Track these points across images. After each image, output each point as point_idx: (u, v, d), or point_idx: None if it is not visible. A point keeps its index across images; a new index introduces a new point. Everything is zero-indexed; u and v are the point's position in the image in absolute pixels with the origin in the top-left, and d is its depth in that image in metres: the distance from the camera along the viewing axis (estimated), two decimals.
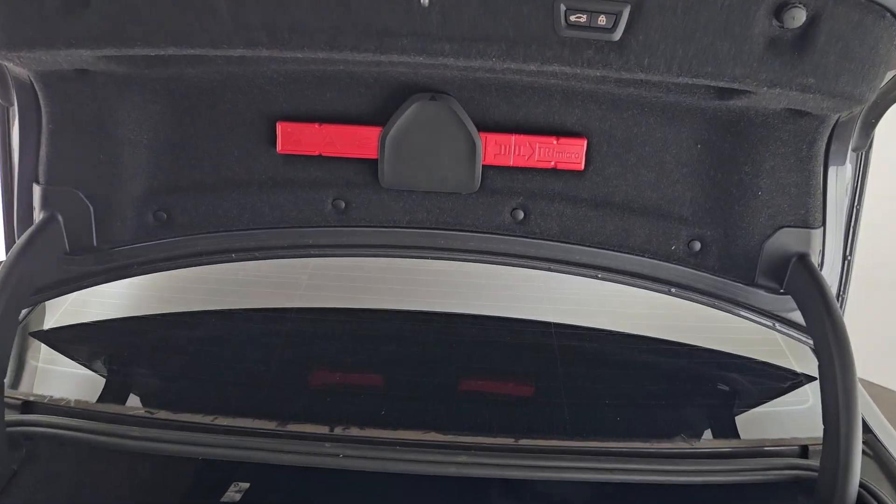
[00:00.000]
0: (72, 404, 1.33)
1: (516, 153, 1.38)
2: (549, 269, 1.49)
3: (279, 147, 1.38)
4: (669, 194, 1.40)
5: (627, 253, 1.45)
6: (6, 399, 1.36)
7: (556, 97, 1.34)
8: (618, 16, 0.97)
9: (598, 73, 1.05)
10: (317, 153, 1.38)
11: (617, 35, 0.99)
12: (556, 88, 1.31)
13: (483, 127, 1.36)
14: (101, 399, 1.40)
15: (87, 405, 1.35)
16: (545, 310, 1.57)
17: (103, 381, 1.47)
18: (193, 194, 1.43)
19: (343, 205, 1.45)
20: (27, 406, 1.34)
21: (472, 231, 1.47)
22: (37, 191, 1.38)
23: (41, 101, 1.30)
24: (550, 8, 0.97)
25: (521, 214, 1.45)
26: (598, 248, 1.46)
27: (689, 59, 1.01)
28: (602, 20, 0.97)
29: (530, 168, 1.40)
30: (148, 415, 1.29)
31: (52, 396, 1.35)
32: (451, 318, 1.57)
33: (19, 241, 1.34)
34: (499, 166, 1.40)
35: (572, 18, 0.97)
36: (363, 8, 0.98)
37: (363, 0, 0.97)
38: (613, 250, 1.46)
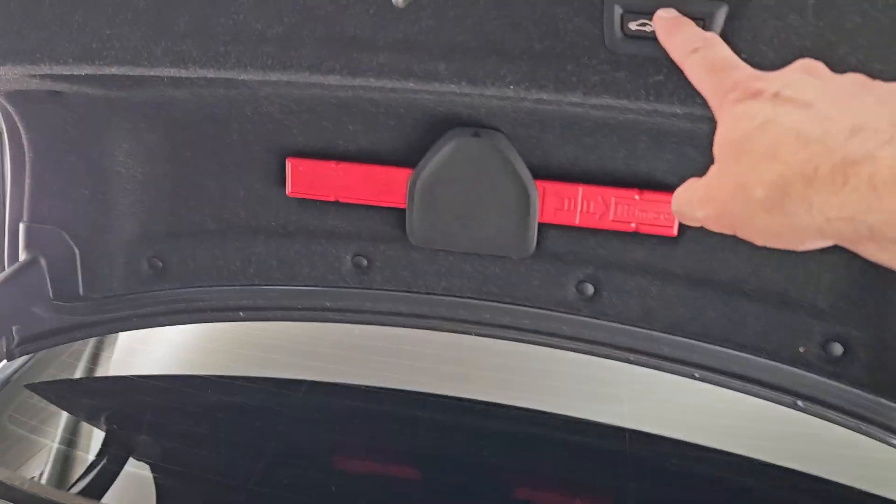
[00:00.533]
0: (16, 484, 1.11)
1: (584, 209, 1.04)
2: (628, 361, 1.13)
3: (289, 189, 1.12)
4: (799, 275, 1.02)
5: (736, 350, 1.08)
6: None
7: (640, 137, 1.00)
8: (707, 21, 0.63)
9: (674, 110, 0.70)
10: (333, 198, 1.12)
11: None
12: (640, 126, 0.97)
13: (541, 173, 1.04)
14: (49, 480, 1.18)
15: (33, 487, 1.12)
16: (617, 411, 1.21)
17: (59, 457, 1.26)
18: (192, 241, 1.20)
19: (365, 262, 1.17)
20: None
21: (525, 305, 1.14)
22: (21, 229, 1.20)
23: (19, 126, 1.11)
24: (598, 8, 0.64)
25: (590, 289, 1.11)
26: (696, 339, 1.09)
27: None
28: None
29: (603, 230, 1.06)
30: None
31: (17, 475, 1.15)
32: (492, 411, 1.24)
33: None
34: (561, 225, 1.07)
35: (633, 26, 0.63)
36: (316, 8, 0.69)
37: None
38: (716, 344, 1.09)
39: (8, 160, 1.22)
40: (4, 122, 1.16)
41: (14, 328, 1.30)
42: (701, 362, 1.09)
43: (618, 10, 0.63)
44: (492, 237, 1.08)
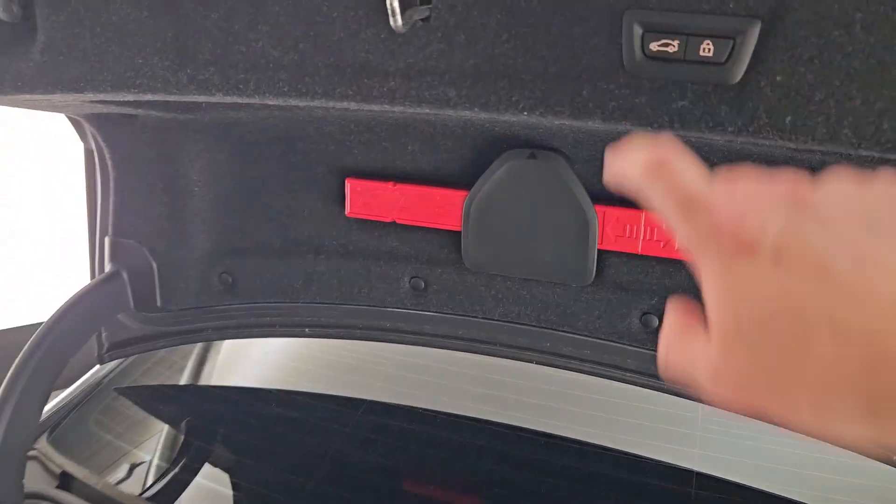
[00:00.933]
0: (98, 486, 1.17)
1: (647, 237, 0.97)
2: (699, 400, 1.05)
3: (348, 209, 1.12)
4: None
5: None
6: (48, 464, 1.27)
7: (712, 159, 0.92)
8: (736, 40, 0.55)
9: (706, 137, 0.63)
10: (390, 219, 1.10)
11: (734, 73, 0.57)
12: (712, 145, 0.90)
13: (602, 197, 0.98)
14: (120, 482, 1.24)
15: (121, 496, 1.19)
16: (688, 452, 1.11)
17: (136, 462, 1.32)
18: (259, 258, 1.23)
19: (423, 285, 1.15)
20: (64, 477, 1.22)
21: (586, 335, 1.08)
22: (106, 242, 1.27)
23: (102, 146, 1.18)
24: (617, 27, 0.58)
25: (654, 322, 1.03)
26: None
27: (878, 120, 0.55)
28: (707, 48, 0.56)
29: (668, 259, 0.98)
30: None
31: (88, 472, 1.22)
32: (556, 443, 1.17)
33: (77, 293, 1.23)
34: (623, 253, 1.01)
35: (654, 46, 0.57)
36: (328, 35, 0.67)
37: (326, 24, 0.67)
38: None
39: (99, 178, 1.30)
40: (94, 142, 1.24)
41: (104, 334, 1.38)
42: None
43: (638, 30, 0.58)
44: (549, 264, 1.03)
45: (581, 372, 1.11)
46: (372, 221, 1.14)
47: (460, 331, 1.16)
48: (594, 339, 1.08)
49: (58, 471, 1.26)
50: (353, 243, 1.17)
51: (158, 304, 1.28)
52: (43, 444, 1.33)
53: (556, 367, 1.12)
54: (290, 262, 1.21)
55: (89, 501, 1.15)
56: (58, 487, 1.23)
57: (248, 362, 1.48)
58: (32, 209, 3.37)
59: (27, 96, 0.80)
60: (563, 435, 1.19)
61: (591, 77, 0.61)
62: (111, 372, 1.50)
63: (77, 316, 1.23)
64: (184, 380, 1.49)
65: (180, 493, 1.27)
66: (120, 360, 1.52)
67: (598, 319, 1.06)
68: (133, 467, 1.34)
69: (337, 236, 1.17)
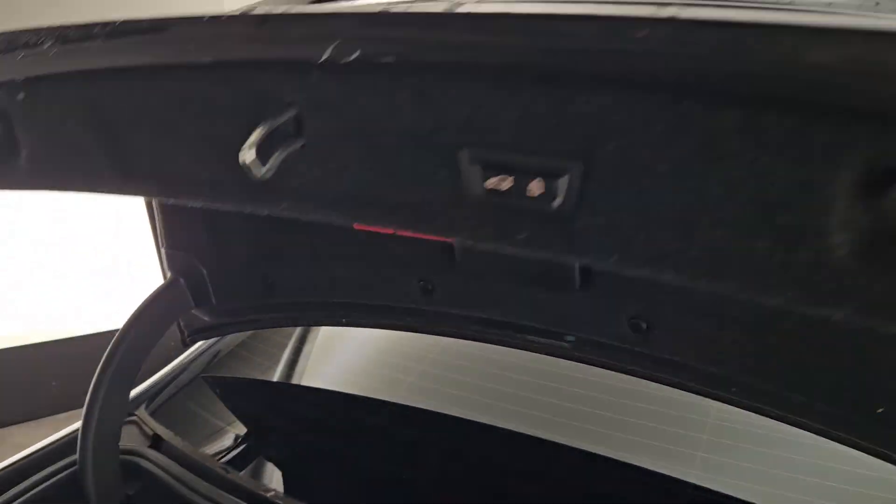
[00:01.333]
0: (182, 448, 1.38)
1: None
2: (698, 393, 1.06)
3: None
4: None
5: (807, 399, 0.95)
6: (144, 428, 1.50)
7: None
8: (561, 180, 0.55)
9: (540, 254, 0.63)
10: (391, 231, 1.16)
11: (563, 211, 0.56)
12: None
13: None
14: (203, 447, 1.44)
15: (198, 456, 1.39)
16: (689, 464, 1.11)
17: (218, 433, 1.52)
18: (292, 262, 1.35)
19: (430, 287, 1.21)
20: (156, 439, 1.45)
21: (582, 335, 1.11)
22: (163, 253, 1.43)
23: None
24: (454, 164, 0.59)
25: (643, 326, 1.04)
26: (763, 385, 0.99)
27: (694, 262, 0.54)
28: (538, 186, 0.56)
29: None
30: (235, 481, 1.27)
31: (178, 438, 1.44)
32: (569, 454, 1.21)
33: (146, 297, 1.41)
34: None
35: (490, 183, 0.57)
36: (229, 154, 0.71)
37: (225, 145, 0.71)
38: (787, 392, 0.97)
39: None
40: None
41: (182, 324, 1.58)
42: (773, 406, 0.99)
43: (475, 167, 0.58)
44: (535, 272, 1.06)
45: (585, 363, 1.15)
46: (378, 232, 1.20)
47: (473, 326, 1.22)
48: (591, 338, 1.10)
49: (151, 433, 1.49)
50: (365, 251, 1.24)
51: (214, 301, 1.44)
52: (141, 412, 1.57)
53: (565, 359, 1.17)
54: (318, 266, 1.32)
55: (174, 460, 1.38)
56: (150, 447, 1.46)
57: (334, 358, 1.63)
58: (32, 209, 3.52)
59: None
60: (577, 447, 1.23)
61: (443, 207, 0.63)
62: (202, 354, 1.71)
63: (150, 316, 1.42)
64: (276, 374, 1.68)
65: (250, 463, 1.47)
66: (212, 345, 1.74)
67: (589, 322, 1.08)
68: (215, 437, 1.56)
69: (352, 245, 1.25)
